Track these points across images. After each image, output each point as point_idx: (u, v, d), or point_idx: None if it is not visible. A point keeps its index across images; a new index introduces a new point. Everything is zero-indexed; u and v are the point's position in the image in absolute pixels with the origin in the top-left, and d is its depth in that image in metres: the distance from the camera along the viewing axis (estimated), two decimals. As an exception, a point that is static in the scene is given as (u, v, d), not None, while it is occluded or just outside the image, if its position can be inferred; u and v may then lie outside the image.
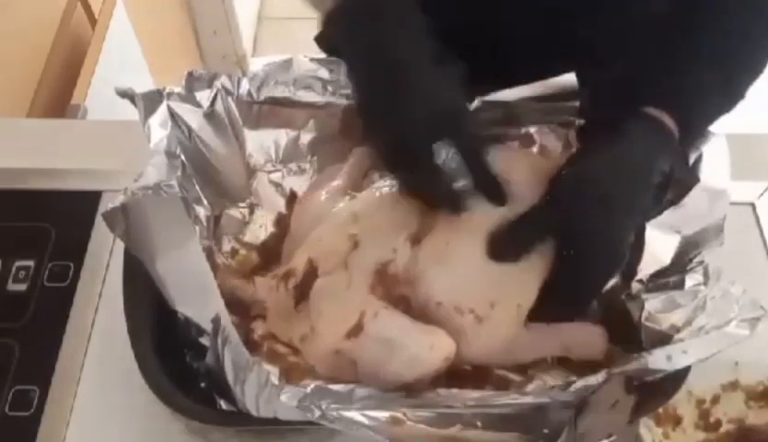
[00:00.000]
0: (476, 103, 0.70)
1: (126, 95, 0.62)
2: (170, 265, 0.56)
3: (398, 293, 0.60)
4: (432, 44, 0.60)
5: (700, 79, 0.63)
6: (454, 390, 0.56)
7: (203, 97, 0.67)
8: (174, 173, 0.62)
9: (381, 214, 0.63)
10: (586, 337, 0.62)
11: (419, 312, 0.59)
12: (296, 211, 0.69)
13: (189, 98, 0.66)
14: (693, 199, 0.62)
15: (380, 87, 0.59)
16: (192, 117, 0.66)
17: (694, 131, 0.65)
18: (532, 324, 0.60)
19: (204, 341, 0.55)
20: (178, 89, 0.66)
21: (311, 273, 0.62)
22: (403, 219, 0.62)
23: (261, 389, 0.52)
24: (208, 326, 0.54)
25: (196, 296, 0.56)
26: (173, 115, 0.64)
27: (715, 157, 0.64)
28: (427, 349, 0.56)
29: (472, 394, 0.56)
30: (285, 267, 0.64)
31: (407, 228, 0.62)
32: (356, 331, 0.58)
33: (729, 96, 0.65)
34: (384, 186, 0.67)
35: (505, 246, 0.60)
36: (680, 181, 0.63)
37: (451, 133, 0.60)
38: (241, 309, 0.63)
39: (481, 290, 0.59)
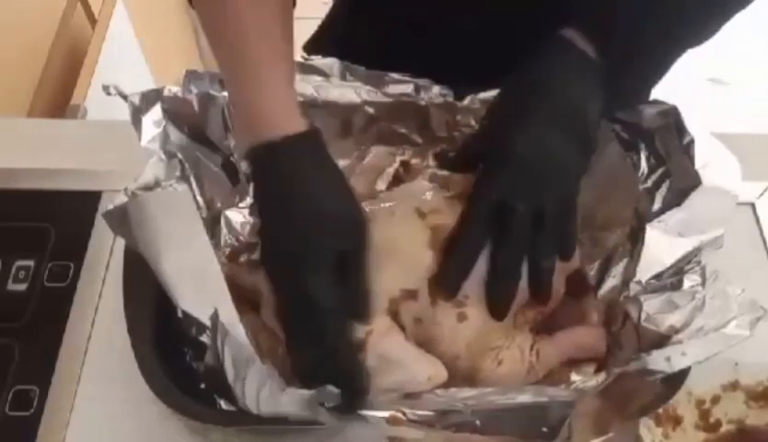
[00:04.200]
0: (475, 103, 0.70)
1: (110, 92, 0.62)
2: (176, 262, 0.56)
3: (408, 317, 0.60)
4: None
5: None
6: (452, 390, 0.56)
7: (200, 97, 0.67)
8: (173, 172, 0.62)
9: (404, 235, 0.63)
10: (586, 339, 0.62)
11: (424, 334, 0.60)
12: None
13: (186, 97, 0.66)
14: (697, 200, 0.62)
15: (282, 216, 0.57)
16: (188, 117, 0.66)
17: (623, 62, 0.62)
18: (539, 344, 0.61)
19: (205, 339, 0.55)
20: (175, 89, 0.66)
21: None
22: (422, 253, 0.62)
23: (262, 386, 0.52)
24: (208, 318, 0.54)
25: (202, 292, 0.56)
26: (169, 115, 0.64)
27: (723, 158, 0.64)
28: (425, 379, 0.57)
29: (471, 392, 0.56)
30: None
31: (428, 264, 0.61)
32: (358, 347, 0.58)
33: (678, 24, 0.63)
34: (393, 195, 0.67)
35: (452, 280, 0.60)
36: (682, 183, 0.63)
37: (353, 245, 0.57)
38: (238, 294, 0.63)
39: (496, 335, 0.60)
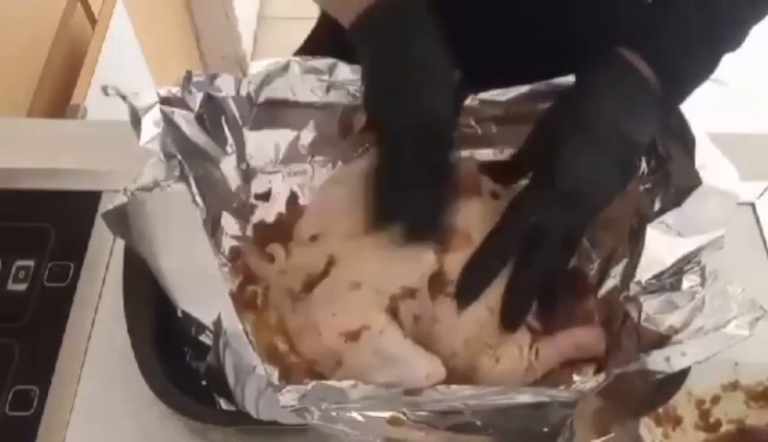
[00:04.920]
0: (475, 103, 0.70)
1: (108, 93, 0.62)
2: (176, 263, 0.56)
3: (408, 314, 0.60)
4: (441, 52, 0.61)
5: (682, 20, 0.62)
6: (453, 387, 0.56)
7: (199, 98, 0.66)
8: (172, 173, 0.62)
9: None
10: (586, 339, 0.62)
11: (423, 332, 0.60)
12: (314, 200, 0.69)
13: (185, 98, 0.66)
14: (698, 200, 0.62)
15: (385, 84, 0.61)
16: (187, 118, 0.66)
17: (678, 86, 0.63)
18: (538, 343, 0.61)
19: (204, 339, 0.55)
20: (174, 89, 0.66)
21: (327, 268, 0.62)
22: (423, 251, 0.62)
23: (261, 395, 0.52)
24: (211, 323, 0.54)
25: (202, 293, 0.56)
26: (168, 116, 0.64)
27: (722, 158, 0.64)
28: (423, 376, 0.57)
29: (472, 392, 0.56)
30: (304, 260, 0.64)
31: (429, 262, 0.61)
32: (354, 336, 0.58)
33: (716, 43, 0.63)
34: None
35: (470, 285, 0.60)
36: (682, 184, 0.63)
37: (431, 147, 0.59)
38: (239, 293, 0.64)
39: (494, 332, 0.60)
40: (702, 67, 0.63)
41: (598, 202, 0.61)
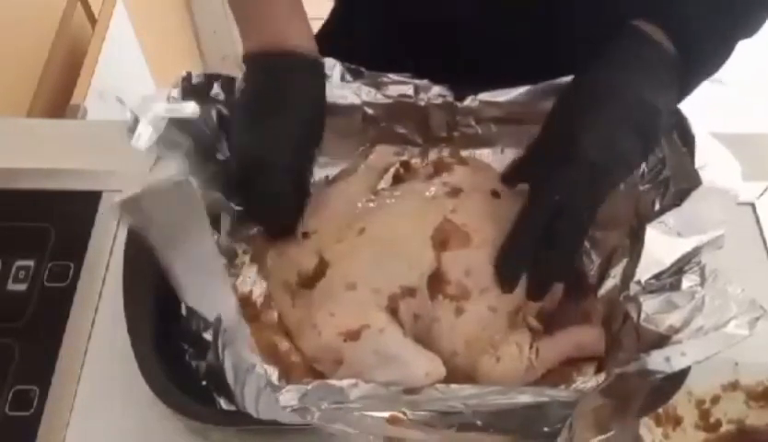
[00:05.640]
0: (475, 103, 0.70)
1: (105, 98, 0.62)
2: (183, 258, 0.56)
3: (408, 313, 0.60)
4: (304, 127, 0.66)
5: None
6: (453, 386, 0.56)
7: (198, 100, 0.66)
8: (179, 169, 0.62)
9: (406, 232, 0.63)
10: (586, 338, 0.62)
11: (423, 330, 0.60)
12: (314, 201, 0.69)
13: (184, 100, 0.65)
14: (697, 200, 0.62)
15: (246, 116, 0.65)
16: (186, 120, 0.65)
17: (695, 60, 0.62)
18: (538, 342, 0.61)
19: (207, 336, 0.55)
20: (173, 92, 0.65)
21: (322, 269, 0.62)
22: (423, 250, 0.62)
23: (261, 394, 0.52)
24: (213, 321, 0.54)
25: (205, 290, 0.56)
26: (167, 118, 0.64)
27: (723, 159, 0.64)
28: (423, 375, 0.57)
29: (472, 391, 0.56)
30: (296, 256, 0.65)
31: (428, 261, 0.62)
32: (354, 336, 0.58)
33: (735, 23, 0.63)
34: (396, 193, 0.68)
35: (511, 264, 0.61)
36: (682, 183, 0.63)
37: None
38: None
39: (494, 332, 0.60)
40: (718, 47, 0.63)
41: (621, 172, 0.60)
